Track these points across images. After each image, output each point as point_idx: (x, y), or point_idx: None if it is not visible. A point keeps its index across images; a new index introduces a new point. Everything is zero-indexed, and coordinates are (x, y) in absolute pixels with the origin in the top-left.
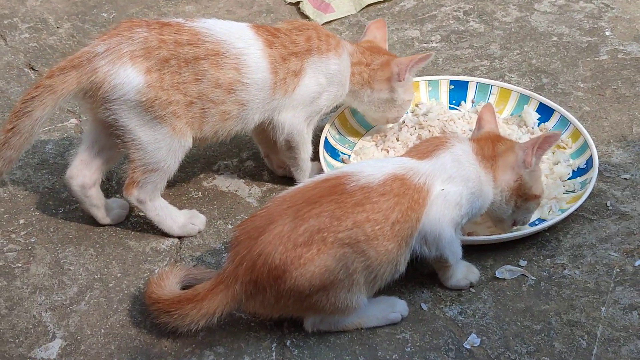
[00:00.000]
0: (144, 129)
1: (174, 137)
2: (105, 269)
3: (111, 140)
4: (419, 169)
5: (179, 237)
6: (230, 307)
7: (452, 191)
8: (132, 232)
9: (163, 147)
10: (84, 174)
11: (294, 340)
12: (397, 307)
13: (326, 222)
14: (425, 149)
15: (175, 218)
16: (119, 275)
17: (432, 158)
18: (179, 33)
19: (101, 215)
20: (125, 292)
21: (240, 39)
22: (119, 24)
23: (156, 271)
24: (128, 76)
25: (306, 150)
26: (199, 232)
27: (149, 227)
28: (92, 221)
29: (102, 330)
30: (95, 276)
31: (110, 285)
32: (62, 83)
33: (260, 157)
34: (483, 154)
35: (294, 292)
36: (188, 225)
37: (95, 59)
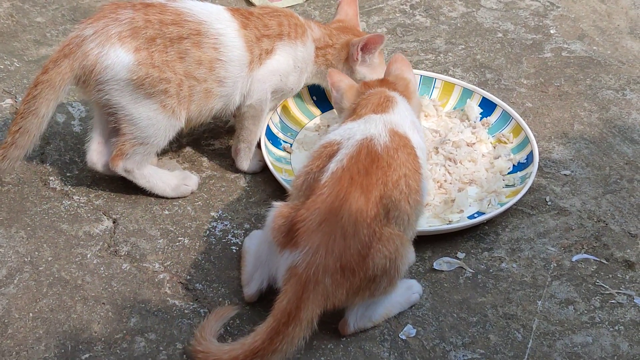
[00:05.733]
0: (137, 106)
1: (165, 116)
2: (36, 252)
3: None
4: (393, 120)
5: (174, 198)
6: (321, 307)
7: (419, 140)
8: (65, 216)
9: (155, 124)
10: (104, 155)
11: (228, 328)
12: (414, 288)
13: (382, 189)
14: (378, 102)
15: (167, 181)
16: (50, 258)
17: (393, 109)
18: (163, 13)
19: None
20: (56, 276)
21: (218, 20)
22: (103, 7)
23: (194, 339)
24: (118, 56)
25: (261, 127)
26: (192, 193)
27: (83, 211)
28: (24, 203)
29: (31, 314)
30: (25, 259)
31: (40, 268)
32: (58, 75)
33: (200, 143)
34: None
35: (379, 270)
36: (181, 186)
37: (84, 42)
